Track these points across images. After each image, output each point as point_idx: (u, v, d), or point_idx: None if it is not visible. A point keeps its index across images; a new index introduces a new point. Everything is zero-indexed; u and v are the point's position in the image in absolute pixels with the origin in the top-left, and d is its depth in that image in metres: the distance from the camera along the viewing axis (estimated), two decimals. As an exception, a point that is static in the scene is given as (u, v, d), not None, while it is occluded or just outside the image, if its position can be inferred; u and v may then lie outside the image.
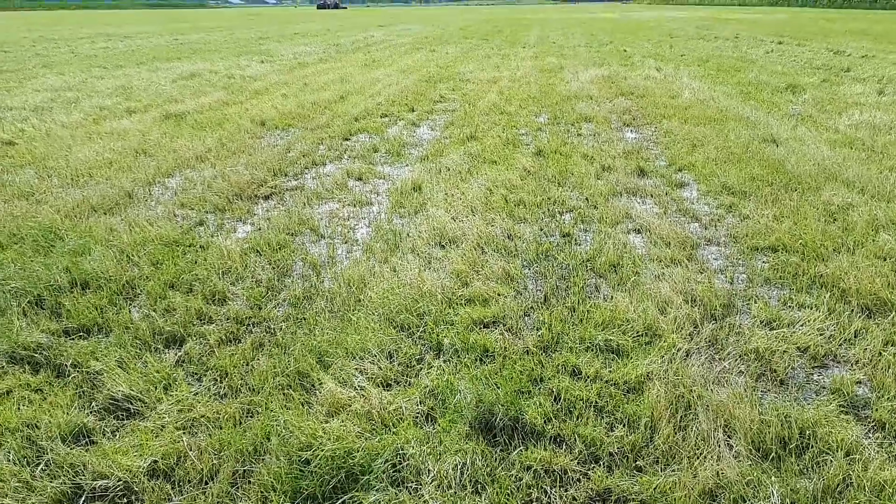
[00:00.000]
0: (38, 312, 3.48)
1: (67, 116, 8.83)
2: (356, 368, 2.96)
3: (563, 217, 4.88)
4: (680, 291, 3.61)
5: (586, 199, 5.24)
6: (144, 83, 12.24)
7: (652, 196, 5.33)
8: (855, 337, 3.21)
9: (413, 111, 9.32)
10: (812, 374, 2.96)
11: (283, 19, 53.69)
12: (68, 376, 2.94)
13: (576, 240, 4.45)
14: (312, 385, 2.86)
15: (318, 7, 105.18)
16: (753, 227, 4.55)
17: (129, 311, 3.50)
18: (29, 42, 24.38)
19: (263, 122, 8.33)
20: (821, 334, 3.21)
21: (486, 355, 3.06)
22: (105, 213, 5.00)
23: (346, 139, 7.64)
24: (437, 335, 3.20)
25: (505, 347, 3.09)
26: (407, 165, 6.48)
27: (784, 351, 3.07)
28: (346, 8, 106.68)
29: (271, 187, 5.73)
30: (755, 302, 3.54)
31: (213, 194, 5.43)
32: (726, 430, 2.55)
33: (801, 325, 3.28)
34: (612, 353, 3.07)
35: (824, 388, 2.86)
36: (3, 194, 5.44)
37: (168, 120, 8.58)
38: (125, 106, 9.66)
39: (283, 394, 2.81)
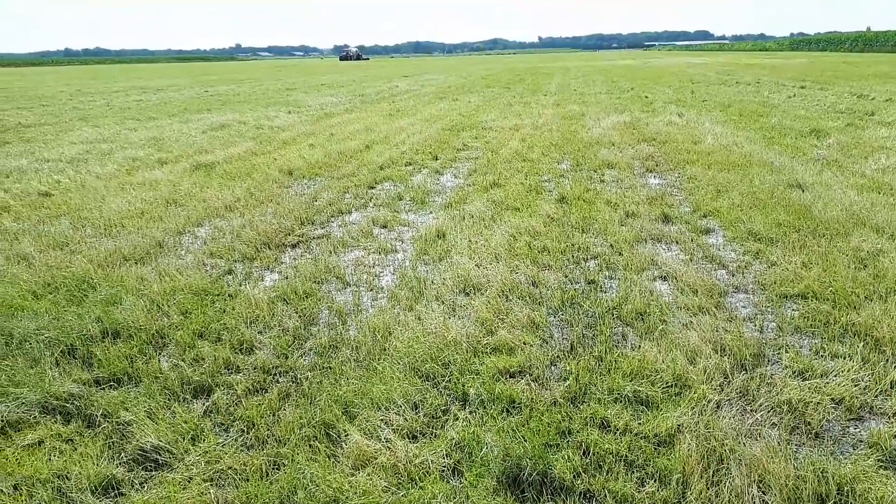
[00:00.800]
0: (71, 362, 3.53)
1: (102, 168, 9.09)
2: (382, 419, 2.95)
3: (587, 264, 4.86)
4: (708, 340, 3.55)
5: (611, 245, 5.22)
6: (175, 134, 12.58)
7: (677, 242, 5.31)
8: (891, 388, 3.12)
9: (437, 159, 9.44)
10: (848, 427, 2.88)
11: (310, 70, 55.14)
12: (99, 426, 2.96)
13: (601, 287, 4.42)
14: (338, 436, 2.84)
15: (341, 58, 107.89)
16: (782, 274, 4.50)
17: (159, 361, 3.54)
18: (67, 96, 25.30)
19: (291, 172, 8.49)
20: (856, 385, 3.13)
21: (513, 406, 3.02)
22: (136, 263, 5.10)
23: (372, 187, 7.74)
24: (463, 385, 3.18)
25: (532, 398, 3.06)
26: (431, 213, 6.54)
27: (818, 402, 3.00)
28: (367, 59, 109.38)
29: (298, 236, 5.81)
30: (786, 351, 3.47)
31: (241, 243, 5.51)
32: (760, 485, 2.48)
33: (835, 376, 3.21)
34: (642, 404, 3.02)
35: (861, 441, 2.78)
36: (39, 244, 5.58)
37: (198, 170, 8.79)
38: (157, 157, 9.93)
39: (310, 445, 2.79)
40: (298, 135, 12.33)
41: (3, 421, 3.01)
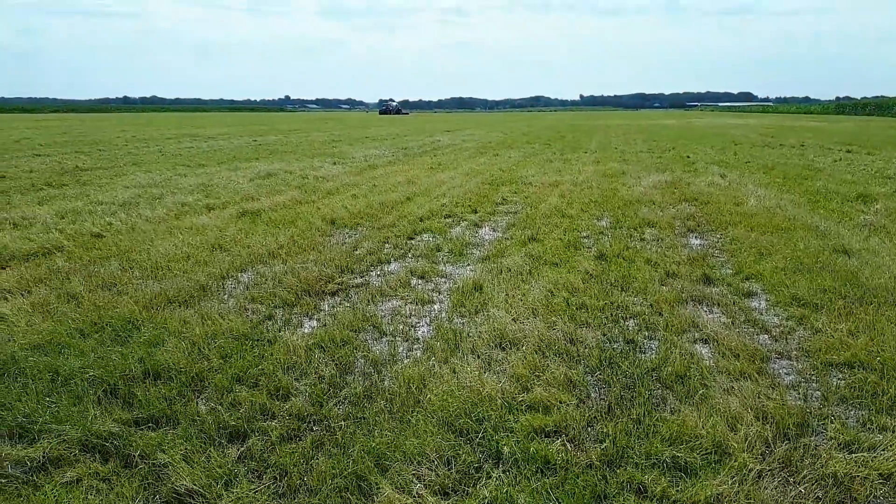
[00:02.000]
0: (112, 401, 3.60)
1: (152, 211, 9.40)
2: (414, 474, 2.92)
3: (626, 323, 4.81)
4: (750, 407, 3.46)
5: (651, 305, 5.16)
6: (224, 181, 12.97)
7: (719, 305, 5.22)
8: (946, 465, 2.98)
9: (476, 212, 9.53)
10: (899, 505, 2.75)
11: (355, 123, 56.54)
12: (135, 467, 3.00)
13: (641, 347, 4.36)
14: (370, 489, 2.83)
15: (381, 112, 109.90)
16: (827, 341, 4.38)
17: (197, 404, 3.59)
18: (122, 141, 26.37)
19: (334, 221, 8.65)
20: (907, 461, 3.00)
21: (548, 467, 2.97)
22: (180, 306, 5.22)
23: (411, 238, 7.83)
24: (497, 442, 3.14)
25: (567, 459, 3.00)
26: (469, 265, 6.57)
27: (865, 477, 2.88)
28: (407, 114, 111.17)
29: (338, 283, 5.89)
30: (831, 422, 3.35)
31: (282, 289, 5.60)
32: (806, 563, 2.37)
33: (883, 450, 3.08)
34: (680, 470, 2.93)
35: (914, 521, 2.64)
36: (88, 284, 5.76)
37: (244, 217, 9.02)
38: (205, 203, 10.23)
39: (341, 496, 2.78)
40: (342, 185, 12.61)
41: (44, 457, 3.07)
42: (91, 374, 3.87)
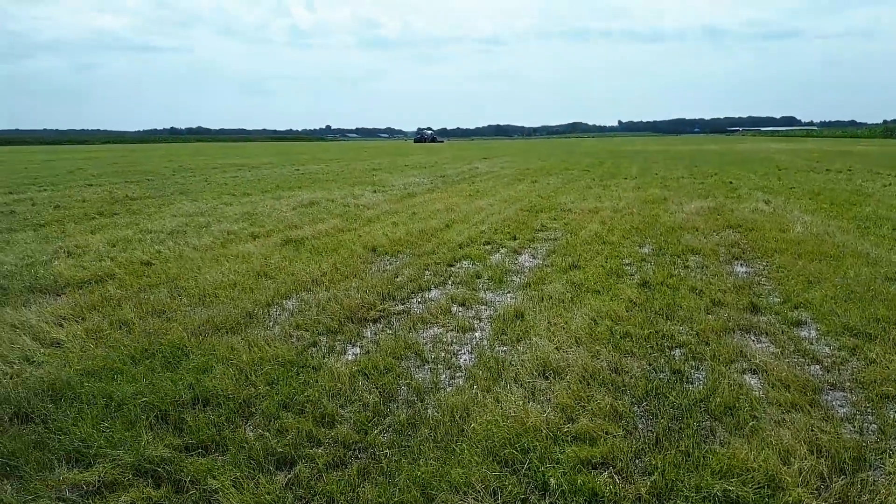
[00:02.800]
0: (163, 427, 3.69)
1: (198, 240, 9.64)
2: None
3: (672, 352, 4.74)
4: (803, 440, 3.36)
5: (697, 334, 5.08)
6: (268, 210, 13.25)
7: (767, 334, 5.11)
8: None
9: (515, 239, 9.53)
10: (967, 546, 2.63)
11: (394, 151, 57.25)
12: (187, 492, 3.06)
13: (688, 377, 4.29)
14: (416, 518, 2.82)
15: (416, 141, 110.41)
16: (882, 372, 4.24)
17: (245, 430, 3.64)
18: (170, 171, 27.15)
19: (374, 248, 8.75)
20: (973, 499, 2.88)
21: (595, 500, 2.93)
22: (227, 332, 5.32)
23: (451, 265, 7.87)
24: (543, 474, 3.11)
25: (615, 492, 2.96)
26: (509, 292, 6.57)
27: (930, 516, 2.77)
28: (442, 142, 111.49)
29: (380, 311, 5.94)
30: (889, 456, 3.24)
31: (326, 316, 5.68)
32: None
33: (949, 487, 2.96)
34: (732, 504, 2.86)
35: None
36: (139, 311, 5.92)
37: (288, 245, 9.19)
38: (250, 231, 10.45)
39: (387, 525, 2.78)
40: (382, 213, 12.76)
41: (99, 481, 3.15)
42: (143, 399, 3.96)
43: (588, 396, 3.95)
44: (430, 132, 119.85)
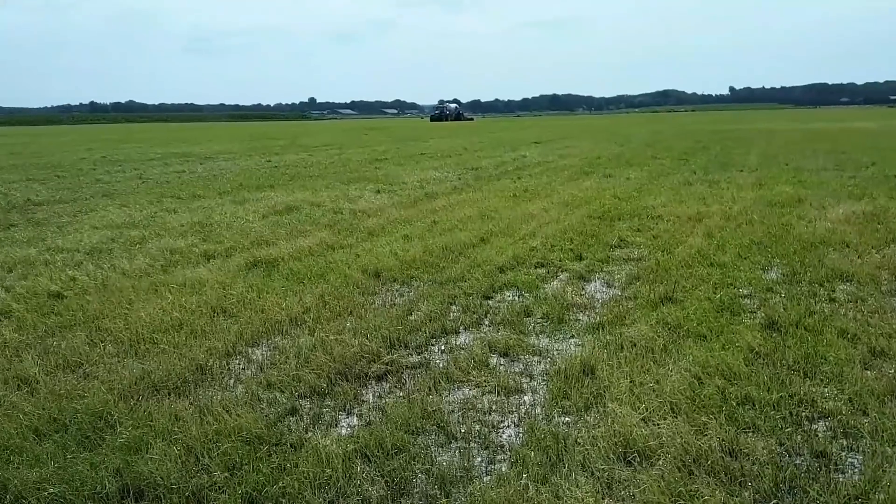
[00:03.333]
0: (78, 530, 3.71)
1: (130, 262, 9.76)
2: None
3: (813, 426, 4.68)
4: None
5: (849, 399, 5.02)
6: (228, 219, 13.39)
7: (954, 399, 5.01)
8: None
9: (581, 259, 9.50)
10: None
11: (406, 134, 57.70)
12: None
13: (836, 463, 4.24)
14: None
15: (432, 119, 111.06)
16: None
17: (194, 537, 3.65)
18: (89, 164, 27.69)
19: (378, 273, 8.78)
20: None
21: None
22: (170, 394, 5.36)
23: (488, 297, 7.86)
24: None
25: None
26: (573, 337, 6.55)
27: None
28: (471, 119, 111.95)
29: (386, 363, 5.95)
30: None
31: (309, 371, 5.70)
32: None
33: None
34: None
35: None
36: (45, 364, 6.00)
37: (256, 268, 9.27)
38: (202, 249, 10.56)
39: None
40: (390, 222, 12.82)
41: None
42: (51, 490, 4.00)
43: (692, 491, 3.90)
44: (454, 106, 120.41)
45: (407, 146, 38.08)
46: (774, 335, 6.31)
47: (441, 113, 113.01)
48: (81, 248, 10.82)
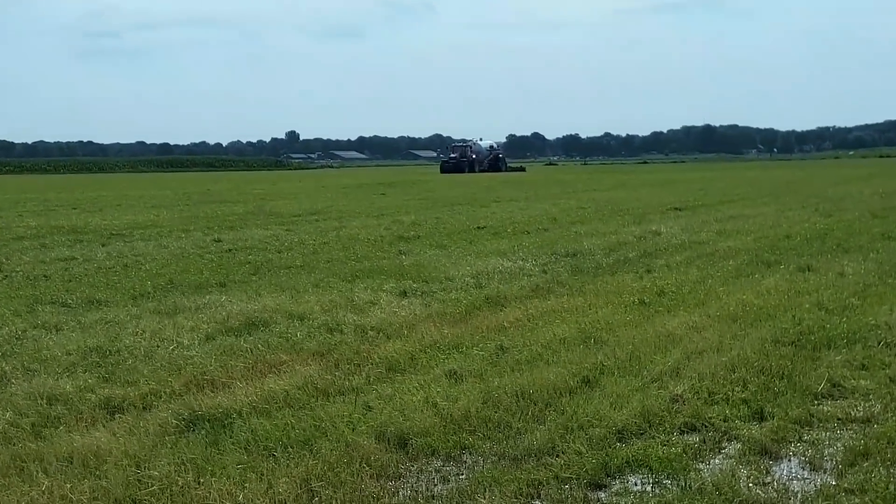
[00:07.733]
0: None
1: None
2: None
3: None
4: None
5: None
6: (146, 342, 13.41)
7: None
8: None
9: (761, 419, 9.38)
10: None
11: (453, 193, 58.09)
12: None
13: None
14: None
15: (443, 170, 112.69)
16: None
17: None
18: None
19: (405, 441, 8.68)
20: None
21: None
22: None
23: (599, 486, 7.74)
24: None
25: None
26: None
27: None
28: (522, 170, 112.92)
29: None
30: None
31: None
32: None
33: None
34: None
35: None
36: None
37: (193, 430, 9.21)
38: (102, 395, 10.53)
39: None
40: (424, 346, 12.78)
41: None
42: None
43: None
44: (487, 146, 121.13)
45: (455, 213, 38.34)
46: None
47: (459, 159, 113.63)
48: None
